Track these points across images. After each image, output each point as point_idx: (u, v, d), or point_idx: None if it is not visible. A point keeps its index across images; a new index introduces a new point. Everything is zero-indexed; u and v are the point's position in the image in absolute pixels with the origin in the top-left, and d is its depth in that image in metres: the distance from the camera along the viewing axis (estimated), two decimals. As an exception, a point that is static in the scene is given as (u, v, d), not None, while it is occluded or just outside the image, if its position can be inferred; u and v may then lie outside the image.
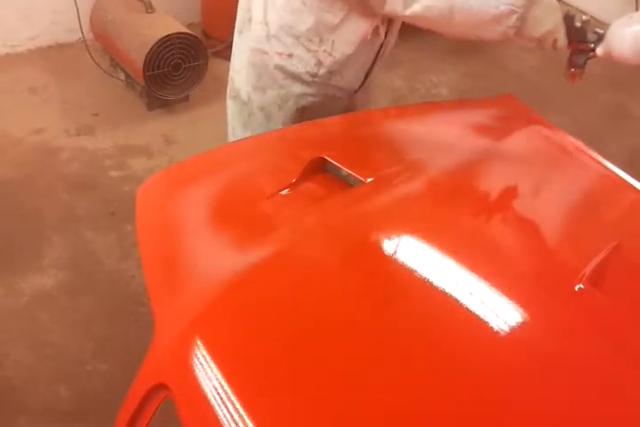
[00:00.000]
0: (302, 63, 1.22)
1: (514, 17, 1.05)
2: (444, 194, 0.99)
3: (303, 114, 1.30)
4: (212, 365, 0.67)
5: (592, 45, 1.14)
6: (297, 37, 1.18)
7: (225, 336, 0.72)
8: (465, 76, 3.32)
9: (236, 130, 1.42)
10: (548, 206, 1.00)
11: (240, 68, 1.32)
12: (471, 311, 0.74)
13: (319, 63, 1.21)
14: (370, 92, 1.46)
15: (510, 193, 1.01)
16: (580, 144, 1.19)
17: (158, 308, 0.78)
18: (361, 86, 1.35)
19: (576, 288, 0.79)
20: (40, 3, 3.01)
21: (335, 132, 1.13)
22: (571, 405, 0.67)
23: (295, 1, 1.12)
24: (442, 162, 1.03)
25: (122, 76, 2.91)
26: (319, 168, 1.02)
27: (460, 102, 1.11)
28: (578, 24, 1.13)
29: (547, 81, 3.27)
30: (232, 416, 0.63)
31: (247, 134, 1.38)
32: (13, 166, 2.46)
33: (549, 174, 1.09)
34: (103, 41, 2.89)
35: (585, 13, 1.13)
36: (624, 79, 3.41)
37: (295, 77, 1.25)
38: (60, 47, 3.19)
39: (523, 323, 0.75)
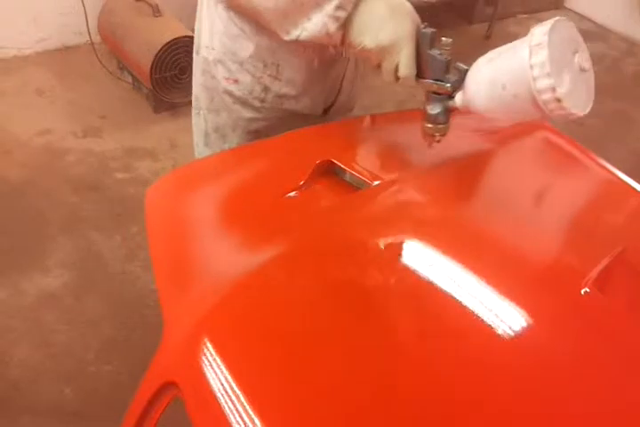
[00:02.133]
0: (249, 89, 1.16)
1: (334, 1, 0.86)
2: (451, 197, 0.99)
3: (258, 136, 1.24)
4: (221, 363, 0.68)
5: (450, 88, 0.85)
6: (241, 63, 1.13)
7: (233, 335, 0.73)
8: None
9: (199, 147, 1.36)
10: (554, 210, 1.01)
11: (196, 89, 1.27)
12: (476, 314, 0.74)
13: (266, 89, 1.16)
14: (351, 110, 1.37)
15: (517, 197, 1.01)
16: (586, 150, 1.19)
17: (168, 307, 0.79)
18: (329, 108, 1.28)
19: (582, 292, 0.79)
20: (48, 5, 3.04)
21: (343, 136, 1.13)
22: (576, 409, 0.68)
23: (234, 28, 1.08)
24: (448, 165, 1.04)
25: (129, 79, 2.93)
26: (327, 171, 1.03)
27: (465, 107, 1.11)
28: (434, 53, 0.84)
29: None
30: (240, 414, 0.63)
31: (208, 152, 1.32)
32: (20, 167, 2.48)
33: (555, 179, 1.10)
34: (110, 44, 2.91)
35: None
36: (629, 86, 3.42)
37: (244, 102, 1.19)
38: (68, 50, 3.21)
39: (528, 327, 0.76)
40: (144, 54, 2.61)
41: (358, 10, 0.87)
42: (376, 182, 0.97)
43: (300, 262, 0.84)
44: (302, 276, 0.82)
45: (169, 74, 2.66)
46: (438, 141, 0.93)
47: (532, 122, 1.28)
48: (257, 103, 1.19)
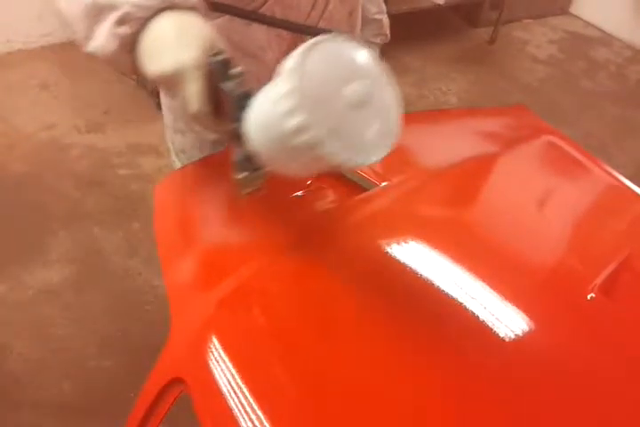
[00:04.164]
0: None
1: (113, 15, 0.69)
2: (458, 201, 1.00)
3: None
4: (228, 360, 0.69)
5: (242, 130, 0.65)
6: None
7: (240, 332, 0.73)
8: (474, 85, 3.34)
9: (175, 164, 1.28)
10: (559, 215, 1.01)
11: (164, 109, 1.18)
12: (481, 319, 0.75)
13: None
14: None
15: (523, 201, 1.02)
16: (591, 155, 1.19)
17: (175, 303, 0.79)
18: None
19: (588, 297, 0.80)
20: None
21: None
22: (583, 414, 0.68)
23: None
24: (455, 168, 1.04)
25: (133, 75, 2.93)
26: (334, 171, 1.03)
27: (471, 110, 1.11)
28: (225, 86, 0.66)
29: (555, 93, 3.29)
30: (246, 411, 0.64)
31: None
32: (23, 162, 2.48)
33: (561, 184, 1.10)
34: (116, 40, 2.91)
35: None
36: (633, 94, 3.43)
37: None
38: (73, 44, 3.18)
39: (533, 332, 0.76)
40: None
41: (145, 30, 0.69)
42: (383, 184, 0.97)
43: (306, 262, 0.84)
44: (308, 275, 0.82)
45: (174, 71, 2.66)
46: (258, 193, 0.74)
47: (537, 126, 1.29)
48: None
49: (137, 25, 0.69)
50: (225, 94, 0.66)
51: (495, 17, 3.73)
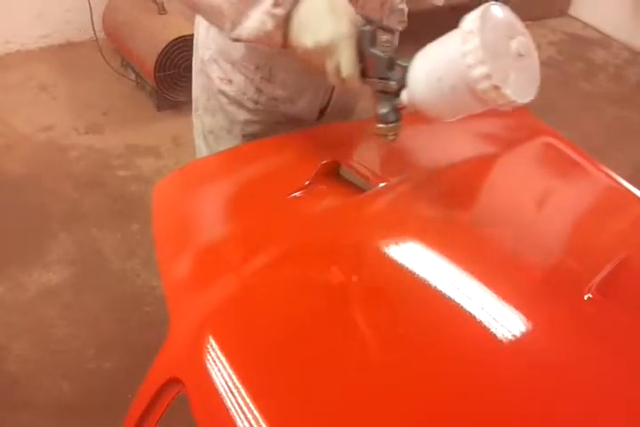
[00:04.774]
0: (242, 90, 1.14)
1: None
2: (455, 201, 1.00)
3: (253, 140, 1.21)
4: (225, 360, 0.69)
5: (395, 85, 0.81)
6: (233, 64, 1.11)
7: (238, 332, 0.74)
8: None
9: (200, 148, 1.34)
10: (557, 216, 1.01)
11: (194, 89, 1.26)
12: (478, 320, 0.75)
13: (259, 90, 1.14)
14: (347, 115, 1.34)
15: (520, 202, 1.02)
16: (589, 156, 1.20)
17: (173, 303, 0.79)
18: (322, 114, 1.24)
19: (585, 298, 0.80)
20: (53, 1, 3.05)
21: (349, 137, 1.14)
22: (581, 415, 0.68)
23: None
24: (453, 169, 1.05)
25: (132, 77, 2.94)
26: (332, 172, 1.03)
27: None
28: (375, 51, 0.81)
29: (554, 95, 3.29)
30: (243, 411, 0.64)
31: (208, 154, 1.29)
32: (21, 163, 2.48)
33: (559, 185, 1.10)
34: (115, 41, 2.92)
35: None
36: (632, 95, 3.43)
37: (238, 103, 1.17)
38: (72, 46, 3.21)
39: (531, 332, 0.76)
40: (148, 52, 2.61)
41: (298, 8, 0.83)
42: (381, 185, 0.97)
43: (303, 263, 0.84)
44: (306, 275, 0.82)
45: (173, 72, 2.66)
46: (393, 140, 0.90)
47: (535, 127, 1.29)
48: (251, 105, 1.17)
49: (289, 5, 0.82)
50: (373, 58, 0.80)
51: (494, 18, 3.72)
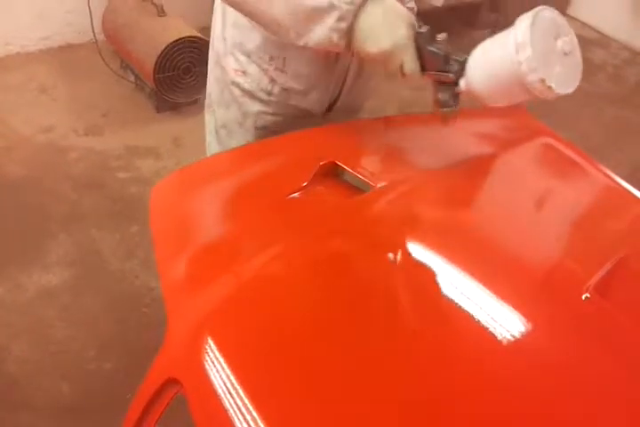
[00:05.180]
0: (256, 81, 1.18)
1: (334, 14, 0.90)
2: (454, 202, 1.00)
3: (265, 133, 1.25)
4: (223, 361, 0.69)
5: (453, 77, 0.93)
6: (248, 55, 1.15)
7: (236, 333, 0.74)
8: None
9: (212, 146, 1.37)
10: (555, 216, 1.01)
11: (209, 84, 1.30)
12: (477, 320, 0.75)
13: (272, 81, 1.17)
14: (354, 112, 1.37)
15: (519, 202, 1.02)
16: (587, 156, 1.20)
17: (172, 305, 0.79)
18: (332, 107, 1.27)
19: (583, 297, 0.80)
20: (53, 3, 3.04)
21: (347, 137, 1.14)
22: (579, 415, 0.68)
23: (243, 19, 1.08)
24: (452, 170, 1.05)
25: (132, 78, 2.94)
26: (330, 172, 1.03)
27: (469, 112, 1.11)
28: (433, 48, 0.91)
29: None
30: (242, 412, 0.64)
31: (220, 151, 1.33)
32: (21, 164, 2.48)
33: (557, 185, 1.10)
34: (114, 43, 2.92)
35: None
36: (631, 95, 3.43)
37: (251, 95, 1.21)
38: (72, 48, 3.21)
39: (529, 332, 0.76)
40: (148, 54, 2.61)
41: (358, 19, 0.91)
42: (379, 185, 0.98)
43: (301, 263, 0.84)
44: (304, 276, 0.83)
45: (172, 74, 2.66)
46: (454, 122, 1.01)
47: (534, 128, 1.29)
48: (264, 96, 1.20)
49: (352, 18, 0.91)
50: (432, 55, 0.91)
51: (494, 19, 3.73)
